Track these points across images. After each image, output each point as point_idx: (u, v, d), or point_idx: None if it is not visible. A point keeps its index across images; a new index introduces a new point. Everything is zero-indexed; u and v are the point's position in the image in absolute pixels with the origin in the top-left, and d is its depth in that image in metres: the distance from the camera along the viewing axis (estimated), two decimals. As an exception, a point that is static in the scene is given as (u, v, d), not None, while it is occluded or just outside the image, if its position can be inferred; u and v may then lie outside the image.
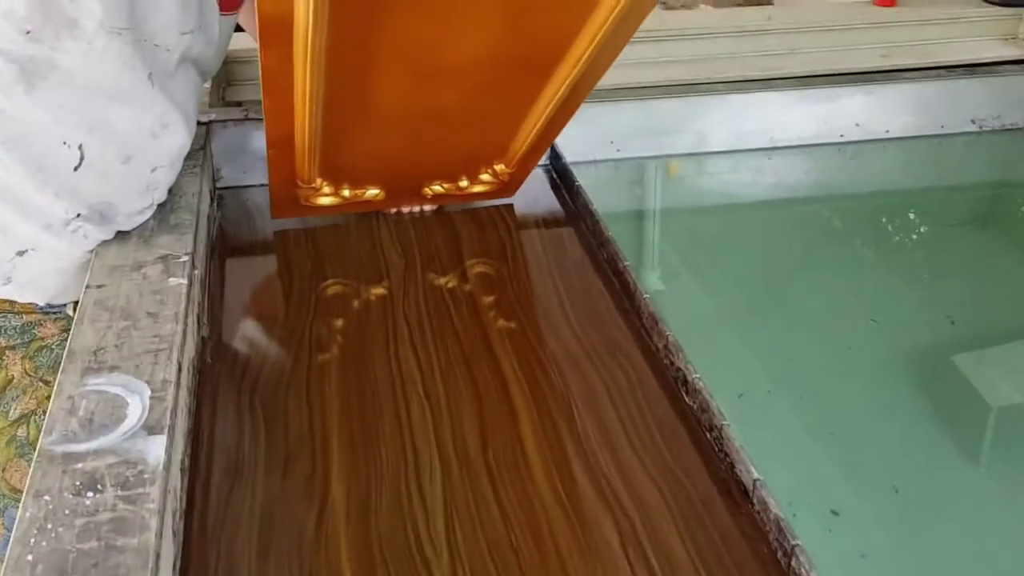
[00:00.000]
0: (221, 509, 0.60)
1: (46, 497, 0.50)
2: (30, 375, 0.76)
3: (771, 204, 1.24)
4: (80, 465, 0.52)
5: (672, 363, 0.73)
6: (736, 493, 0.63)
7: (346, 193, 0.89)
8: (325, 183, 0.87)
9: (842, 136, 1.20)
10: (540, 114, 0.82)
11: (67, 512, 0.49)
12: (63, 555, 0.47)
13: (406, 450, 0.66)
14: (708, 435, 0.67)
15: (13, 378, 0.75)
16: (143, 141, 0.74)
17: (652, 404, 0.71)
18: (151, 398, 0.58)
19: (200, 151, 0.89)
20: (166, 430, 0.55)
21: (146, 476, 0.52)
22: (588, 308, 0.83)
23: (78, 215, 0.72)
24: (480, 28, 0.70)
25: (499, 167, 0.92)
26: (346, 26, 0.64)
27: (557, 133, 0.89)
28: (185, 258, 0.72)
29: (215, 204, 0.96)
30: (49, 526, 0.48)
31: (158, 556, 0.48)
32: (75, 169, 0.71)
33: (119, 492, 0.51)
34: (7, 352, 0.75)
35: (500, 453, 0.66)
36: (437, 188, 0.93)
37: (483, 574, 0.56)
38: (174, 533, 0.54)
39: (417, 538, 0.59)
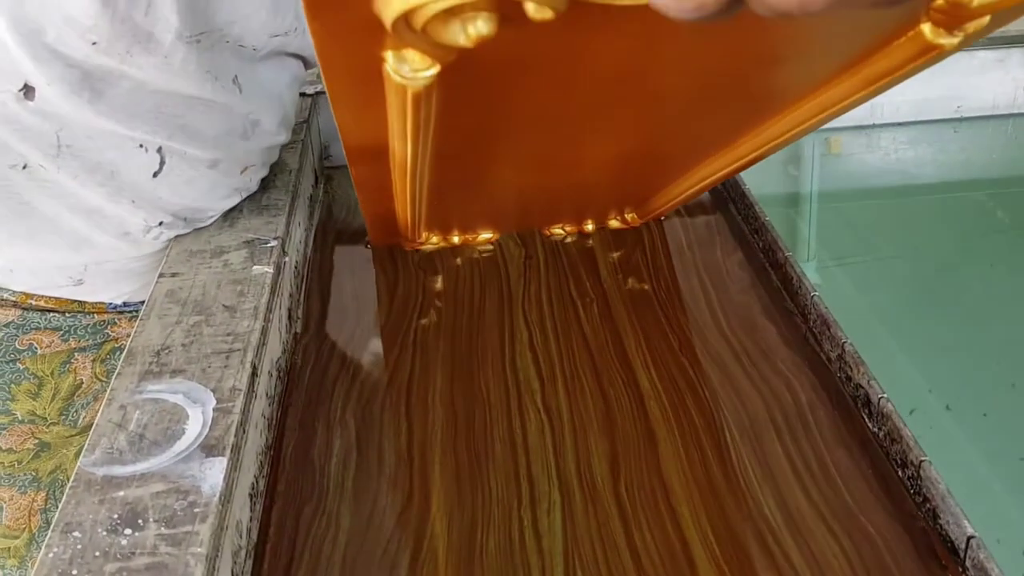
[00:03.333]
0: (299, 544, 0.50)
1: (76, 533, 0.41)
2: (101, 380, 0.68)
3: (953, 186, 1.07)
4: (122, 493, 0.43)
5: (850, 378, 0.59)
6: (941, 551, 0.49)
7: (456, 240, 0.78)
8: (432, 235, 0.77)
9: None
10: (710, 175, 0.65)
11: (97, 555, 0.40)
12: (84, 612, 0.38)
13: (520, 477, 0.55)
14: (900, 473, 0.53)
15: (82, 383, 0.67)
16: (231, 143, 0.64)
17: (825, 430, 0.57)
18: (216, 410, 0.48)
19: (303, 124, 0.80)
20: (228, 450, 0.45)
21: (197, 511, 0.42)
22: (742, 308, 0.69)
23: (160, 223, 0.64)
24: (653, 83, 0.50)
25: (630, 216, 0.79)
26: (455, 130, 0.50)
27: (710, 187, 0.72)
28: (274, 243, 0.63)
29: (320, 184, 0.86)
30: (74, 572, 0.39)
31: (202, 616, 0.38)
32: (154, 176, 0.61)
33: (162, 530, 0.41)
34: (76, 354, 0.67)
35: (635, 485, 0.54)
36: (557, 231, 0.80)
37: (612, 646, 0.45)
38: (234, 575, 0.45)
39: (531, 593, 0.48)
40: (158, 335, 0.54)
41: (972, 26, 0.36)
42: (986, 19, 0.35)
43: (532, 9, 0.30)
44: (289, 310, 0.64)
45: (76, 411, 0.67)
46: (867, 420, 0.57)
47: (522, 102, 0.48)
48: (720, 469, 0.55)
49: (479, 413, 0.60)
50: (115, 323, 0.68)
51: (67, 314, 0.67)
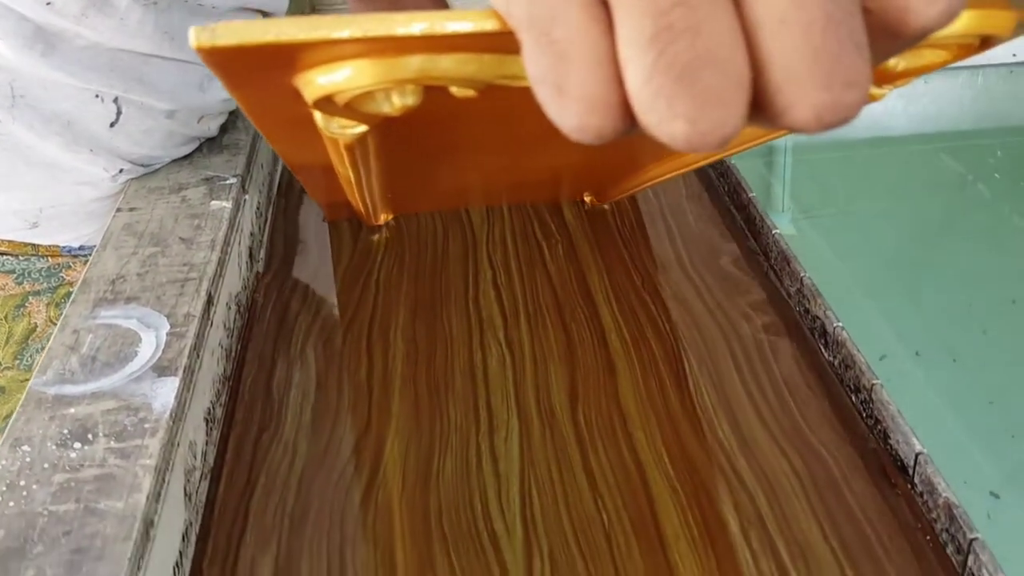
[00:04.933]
0: (255, 469, 0.50)
1: (25, 447, 0.41)
2: (55, 323, 0.68)
3: (927, 138, 1.08)
4: (72, 410, 0.43)
5: (808, 311, 0.60)
6: (890, 470, 0.49)
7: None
8: (391, 215, 0.76)
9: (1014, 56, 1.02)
10: (668, 171, 0.64)
11: (46, 467, 0.40)
12: (31, 519, 0.38)
13: (479, 407, 0.55)
14: (854, 398, 0.54)
15: (37, 326, 0.67)
16: (188, 95, 0.64)
17: (782, 360, 0.58)
18: (169, 334, 0.48)
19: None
20: (180, 371, 0.45)
21: (147, 426, 0.42)
22: (705, 247, 0.70)
23: (120, 170, 0.63)
24: None
25: (589, 199, 0.78)
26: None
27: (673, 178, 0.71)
28: (232, 180, 0.63)
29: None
30: (22, 482, 0.39)
31: (149, 524, 0.39)
32: (111, 126, 0.61)
33: (112, 444, 0.41)
34: (30, 298, 0.67)
35: (593, 413, 0.54)
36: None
37: (565, 560, 0.45)
38: (188, 495, 0.45)
39: (486, 510, 0.48)
40: (113, 265, 0.54)
41: (900, 81, 0.37)
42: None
43: (455, 90, 0.29)
44: (250, 248, 0.64)
45: (31, 355, 0.67)
46: (823, 350, 0.58)
47: (463, 132, 0.48)
48: (677, 396, 0.55)
49: (440, 348, 0.60)
50: (70, 267, 0.67)
51: (20, 257, 0.66)
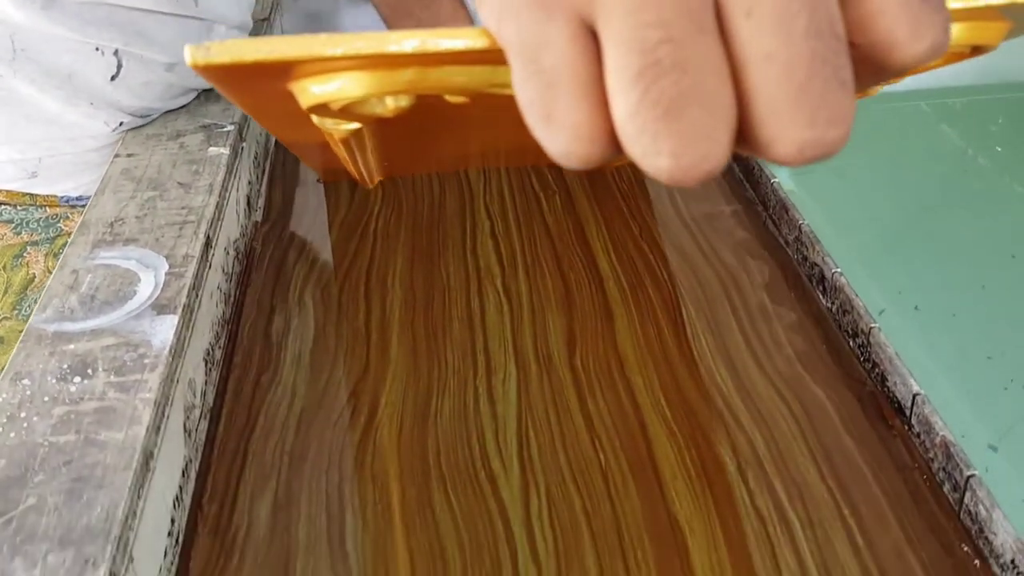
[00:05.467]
0: (254, 409, 0.50)
1: (25, 381, 0.41)
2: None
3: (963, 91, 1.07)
4: (72, 346, 0.43)
5: (806, 258, 0.60)
6: (887, 412, 0.49)
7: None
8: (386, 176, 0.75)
9: None
10: None
11: (46, 400, 0.40)
12: (31, 449, 0.38)
13: (476, 351, 0.55)
14: (851, 343, 0.54)
15: (35, 277, 0.67)
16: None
17: (779, 305, 0.58)
18: (168, 274, 0.48)
19: (263, 23, 0.79)
20: (179, 310, 0.45)
21: (147, 361, 0.42)
22: (702, 198, 0.69)
23: (120, 123, 0.63)
24: None
25: None
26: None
27: None
28: (230, 127, 0.62)
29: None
30: (22, 414, 0.39)
31: (149, 455, 0.39)
32: (112, 79, 0.61)
33: (112, 378, 0.41)
34: (29, 248, 0.67)
35: (590, 358, 0.54)
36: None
37: (562, 497, 0.45)
38: (188, 432, 0.45)
39: (483, 450, 0.48)
40: (112, 208, 0.53)
41: (892, 80, 0.37)
42: None
43: (448, 97, 0.29)
44: (248, 197, 0.64)
45: (29, 305, 0.67)
46: (821, 296, 0.58)
47: (460, 114, 0.48)
48: (675, 343, 0.55)
49: (438, 295, 0.60)
50: (68, 217, 0.67)
51: (19, 207, 0.66)
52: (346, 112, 0.30)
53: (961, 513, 0.43)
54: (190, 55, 0.25)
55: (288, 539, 0.43)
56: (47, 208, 0.67)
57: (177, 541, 0.41)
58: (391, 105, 0.29)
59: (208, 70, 0.25)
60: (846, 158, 1.07)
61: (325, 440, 0.49)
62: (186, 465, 0.44)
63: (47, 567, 0.33)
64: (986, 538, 0.41)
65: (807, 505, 0.45)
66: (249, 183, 0.65)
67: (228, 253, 0.57)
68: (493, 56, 0.23)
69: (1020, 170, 1.04)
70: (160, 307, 0.46)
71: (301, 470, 0.47)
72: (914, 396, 0.47)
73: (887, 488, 0.45)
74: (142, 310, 0.45)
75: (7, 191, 0.66)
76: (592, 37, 0.20)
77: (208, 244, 0.52)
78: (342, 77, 0.28)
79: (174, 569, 0.41)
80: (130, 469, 0.37)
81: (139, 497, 0.37)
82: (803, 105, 0.19)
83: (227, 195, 0.57)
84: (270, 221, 0.67)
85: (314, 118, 0.33)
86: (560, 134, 0.20)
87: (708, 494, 0.45)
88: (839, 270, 0.56)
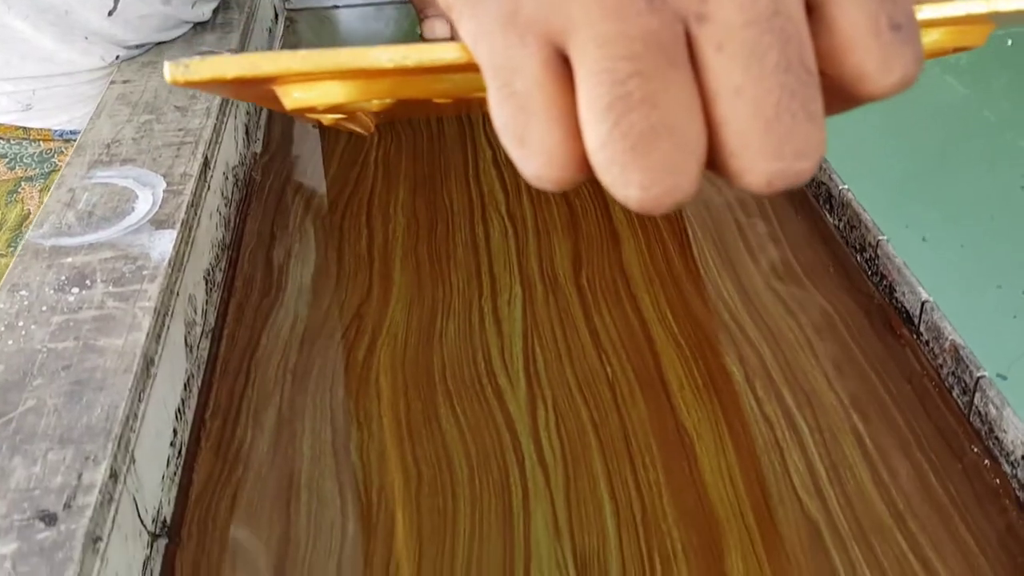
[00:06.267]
0: (256, 330, 0.50)
1: (23, 292, 0.41)
2: None
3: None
4: (70, 259, 0.43)
5: (813, 179, 0.59)
6: (896, 322, 0.49)
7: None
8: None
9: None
10: None
11: (44, 309, 0.40)
12: (30, 355, 0.37)
13: (481, 274, 0.54)
14: (859, 257, 0.53)
15: (30, 213, 0.66)
16: None
17: (786, 225, 0.57)
18: (166, 192, 0.47)
19: (260, -44, 0.78)
20: (178, 224, 0.45)
21: (145, 272, 0.42)
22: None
23: (116, 56, 0.63)
24: None
25: None
26: None
27: None
28: (227, 54, 0.61)
29: (280, 23, 0.85)
30: (20, 323, 0.39)
31: (150, 362, 0.38)
32: (109, 15, 0.61)
33: (110, 288, 0.41)
34: (23, 183, 0.66)
35: (596, 277, 0.54)
36: None
37: (569, 408, 0.45)
38: (189, 347, 0.44)
39: (489, 366, 0.48)
40: (108, 131, 0.53)
41: None
42: None
43: (434, 99, 0.29)
44: (247, 127, 0.63)
45: None
46: (828, 214, 0.57)
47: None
48: (681, 261, 0.55)
49: (441, 221, 0.59)
50: (62, 152, 0.66)
51: (12, 141, 0.65)
52: (332, 111, 0.31)
53: (971, 415, 0.43)
54: (169, 72, 0.25)
55: (293, 452, 0.43)
56: (41, 143, 0.66)
57: (180, 453, 0.41)
58: (376, 104, 0.30)
59: (188, 85, 0.26)
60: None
61: (329, 358, 0.48)
62: (188, 380, 0.44)
63: (47, 464, 0.32)
64: (996, 438, 0.41)
65: (816, 412, 0.44)
66: (247, 113, 0.64)
67: (227, 178, 0.56)
68: (475, 67, 0.23)
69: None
70: (158, 222, 0.45)
71: (305, 387, 0.46)
72: (923, 303, 0.47)
73: (896, 395, 0.45)
74: (140, 225, 0.45)
75: (1, 125, 0.65)
76: (565, 63, 0.20)
77: (206, 164, 0.51)
78: (324, 85, 0.28)
79: (177, 479, 0.40)
80: (130, 372, 0.36)
81: (140, 401, 0.37)
82: (771, 139, 0.19)
83: (224, 119, 0.56)
84: (270, 152, 0.66)
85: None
86: (532, 159, 0.20)
87: (716, 402, 0.45)
88: (846, 186, 0.55)
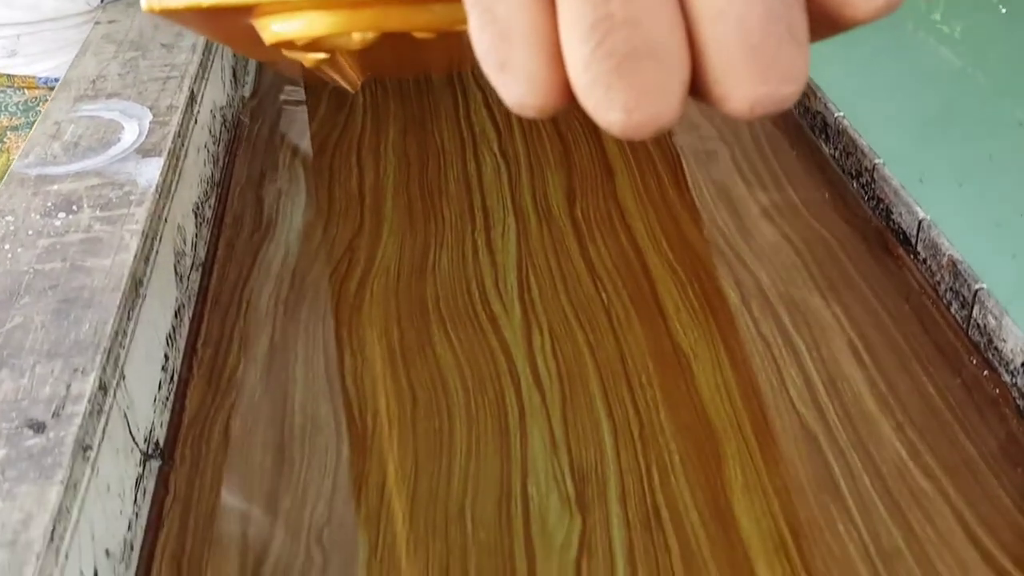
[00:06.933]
0: (246, 263, 0.49)
1: (8, 217, 0.40)
2: None
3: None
4: (56, 187, 0.42)
5: (807, 108, 0.58)
6: (892, 244, 0.48)
7: None
8: None
9: None
10: None
11: (30, 233, 0.39)
12: (17, 277, 0.37)
13: (474, 208, 0.54)
14: (855, 183, 0.53)
15: None
16: None
17: (783, 158, 0.56)
18: (152, 123, 0.47)
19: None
20: (165, 153, 0.44)
21: (132, 198, 0.41)
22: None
23: (101, 1, 0.62)
24: None
25: None
26: None
27: None
28: (213, -5, 0.61)
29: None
30: (6, 247, 0.38)
31: (139, 282, 0.38)
32: None
33: (97, 213, 0.40)
34: (9, 133, 0.65)
35: (591, 210, 0.53)
36: None
37: (565, 333, 0.44)
38: (179, 276, 0.44)
39: (483, 295, 0.47)
40: (93, 68, 0.52)
41: None
42: None
43: (415, 34, 0.28)
44: (234, 69, 0.63)
45: None
46: (824, 144, 0.56)
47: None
48: (676, 192, 0.54)
49: (432, 159, 0.59)
50: (47, 100, 0.65)
51: None
52: (312, 46, 0.30)
53: (969, 329, 0.42)
54: (145, 1, 0.25)
55: (285, 378, 0.43)
56: (26, 91, 0.65)
57: (172, 379, 0.41)
58: (357, 39, 0.29)
59: (164, 14, 0.25)
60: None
61: (321, 290, 0.48)
62: (179, 308, 0.43)
63: (35, 376, 0.32)
64: (995, 348, 0.40)
65: (812, 330, 0.44)
66: (235, 56, 0.63)
67: (215, 116, 0.56)
68: None
69: None
70: (145, 151, 0.44)
71: (297, 316, 0.46)
72: (920, 222, 0.46)
73: (894, 313, 0.44)
74: (127, 155, 0.44)
75: None
76: None
77: (192, 98, 0.50)
78: (303, 16, 0.27)
79: (170, 404, 0.40)
80: (119, 291, 0.36)
81: (128, 319, 0.36)
82: (756, 63, 0.19)
83: (211, 57, 0.56)
84: (258, 96, 0.65)
85: (283, 49, 0.32)
86: (515, 85, 0.20)
87: (712, 323, 0.44)
88: (841, 114, 0.55)
